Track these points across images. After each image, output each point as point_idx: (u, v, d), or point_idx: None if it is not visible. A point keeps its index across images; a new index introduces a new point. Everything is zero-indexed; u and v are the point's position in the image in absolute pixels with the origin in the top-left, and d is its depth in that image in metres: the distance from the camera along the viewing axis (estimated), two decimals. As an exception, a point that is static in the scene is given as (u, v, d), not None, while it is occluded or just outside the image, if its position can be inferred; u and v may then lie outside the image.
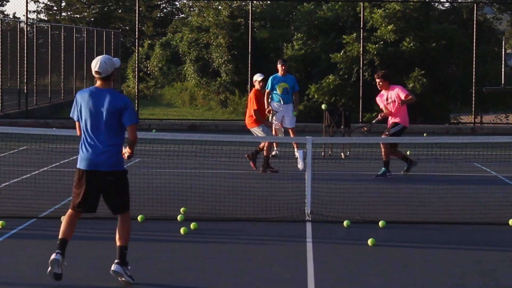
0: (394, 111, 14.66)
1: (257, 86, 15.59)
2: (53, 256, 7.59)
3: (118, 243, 7.79)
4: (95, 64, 7.72)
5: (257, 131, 15.29)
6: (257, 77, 15.67)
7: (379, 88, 14.85)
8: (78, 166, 7.78)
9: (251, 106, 15.36)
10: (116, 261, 7.72)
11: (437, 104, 27.52)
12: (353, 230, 10.21)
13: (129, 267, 7.77)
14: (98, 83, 7.82)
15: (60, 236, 7.74)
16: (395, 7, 27.36)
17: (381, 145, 14.69)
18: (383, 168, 14.56)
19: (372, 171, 15.15)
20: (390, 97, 14.69)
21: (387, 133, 14.68)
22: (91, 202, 7.79)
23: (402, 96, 14.55)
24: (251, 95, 15.61)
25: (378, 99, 15.03)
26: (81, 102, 7.73)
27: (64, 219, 7.87)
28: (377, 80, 14.79)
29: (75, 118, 7.83)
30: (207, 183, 12.94)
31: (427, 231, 10.25)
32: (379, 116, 15.15)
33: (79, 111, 7.75)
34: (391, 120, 14.75)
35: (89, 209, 7.83)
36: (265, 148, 15.12)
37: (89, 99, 7.71)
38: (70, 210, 7.85)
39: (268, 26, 35.40)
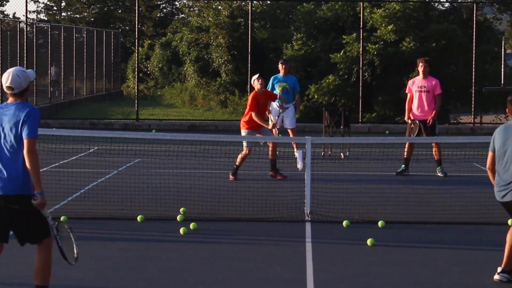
0: (427, 101, 14.66)
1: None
2: None
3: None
4: (7, 78, 6.66)
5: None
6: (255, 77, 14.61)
7: (421, 72, 14.79)
8: None
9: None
10: None
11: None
12: (353, 230, 10.22)
13: None
14: (10, 99, 6.73)
15: None
16: (395, 7, 27.36)
17: (433, 145, 14.75)
18: (440, 167, 14.74)
19: (371, 171, 15.16)
20: (425, 85, 14.71)
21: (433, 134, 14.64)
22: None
23: (438, 91, 14.63)
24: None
25: (410, 83, 15.04)
26: None
27: None
28: (421, 64, 14.75)
29: None
30: (207, 183, 12.94)
31: (427, 231, 10.26)
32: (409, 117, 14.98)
33: None
34: (420, 113, 14.64)
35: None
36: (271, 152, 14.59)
37: None
38: None
39: (268, 26, 35.41)
